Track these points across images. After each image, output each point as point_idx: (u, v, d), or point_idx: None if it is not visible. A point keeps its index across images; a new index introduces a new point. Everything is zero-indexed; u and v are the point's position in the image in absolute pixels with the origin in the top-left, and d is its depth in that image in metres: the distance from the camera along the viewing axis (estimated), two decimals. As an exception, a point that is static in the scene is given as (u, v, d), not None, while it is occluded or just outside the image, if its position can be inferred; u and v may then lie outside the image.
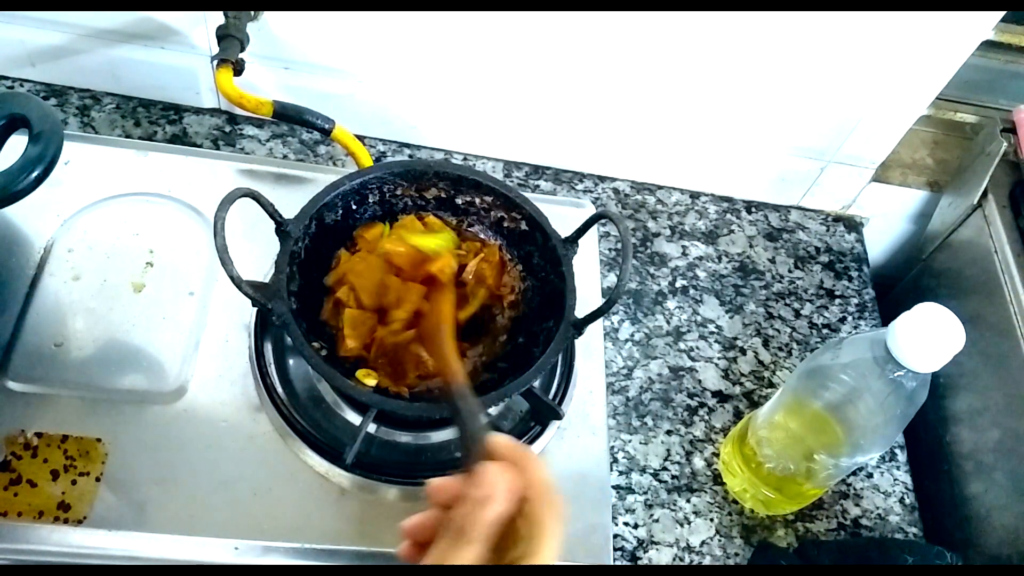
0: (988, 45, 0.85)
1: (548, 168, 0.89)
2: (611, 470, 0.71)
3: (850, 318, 0.86)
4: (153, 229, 0.73)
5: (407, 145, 0.87)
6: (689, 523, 0.70)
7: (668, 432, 0.74)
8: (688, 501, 0.71)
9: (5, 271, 0.69)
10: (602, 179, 0.90)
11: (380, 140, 0.87)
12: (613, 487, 0.70)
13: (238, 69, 0.72)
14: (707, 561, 0.68)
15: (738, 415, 0.77)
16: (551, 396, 0.70)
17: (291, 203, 0.64)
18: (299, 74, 0.80)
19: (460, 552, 0.39)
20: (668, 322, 0.81)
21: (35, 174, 0.59)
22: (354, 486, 0.63)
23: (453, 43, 0.76)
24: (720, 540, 0.70)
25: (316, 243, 0.66)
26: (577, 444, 0.69)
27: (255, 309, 0.66)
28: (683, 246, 0.87)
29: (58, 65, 0.80)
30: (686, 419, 0.75)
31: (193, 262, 0.72)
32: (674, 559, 0.68)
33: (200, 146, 0.82)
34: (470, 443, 0.45)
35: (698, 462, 0.73)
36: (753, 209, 0.92)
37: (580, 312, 0.64)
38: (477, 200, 0.71)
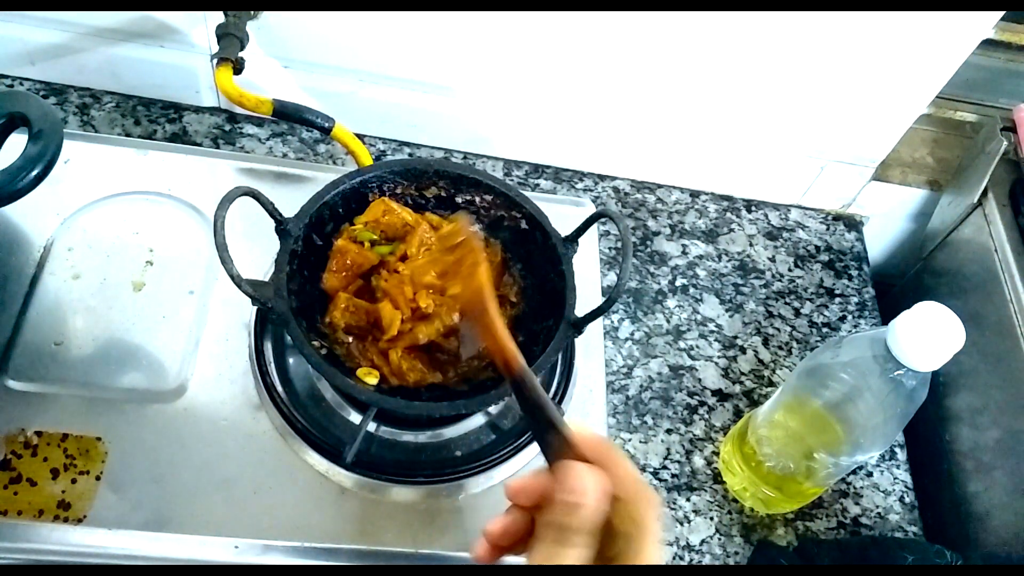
0: (988, 44, 0.85)
1: (548, 167, 0.89)
2: (611, 469, 0.71)
3: (850, 317, 0.86)
4: (153, 228, 0.73)
5: (407, 144, 0.87)
6: (689, 522, 0.70)
7: (668, 431, 0.74)
8: (688, 500, 0.71)
9: (5, 270, 0.69)
10: (602, 178, 0.90)
11: (380, 139, 0.87)
12: (613, 486, 0.70)
13: (238, 68, 0.72)
14: (707, 560, 0.68)
15: (738, 414, 0.77)
16: (551, 395, 0.70)
17: (291, 202, 0.64)
18: (299, 73, 0.79)
19: (563, 555, 0.38)
20: (668, 321, 0.81)
21: (35, 173, 0.59)
22: (354, 485, 0.63)
23: (453, 42, 0.76)
24: (720, 539, 0.70)
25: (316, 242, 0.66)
26: (577, 443, 0.69)
27: (255, 308, 0.66)
28: (683, 245, 0.87)
29: (58, 64, 0.80)
30: (686, 418, 0.75)
31: (193, 261, 0.72)
32: (674, 558, 0.68)
33: (200, 145, 0.82)
34: (549, 435, 0.42)
35: (698, 461, 0.73)
36: (753, 208, 0.91)
37: (580, 311, 0.64)
38: (477, 199, 0.71)
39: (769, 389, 0.79)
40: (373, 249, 0.66)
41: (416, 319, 0.63)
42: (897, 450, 0.78)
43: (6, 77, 0.82)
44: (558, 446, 0.41)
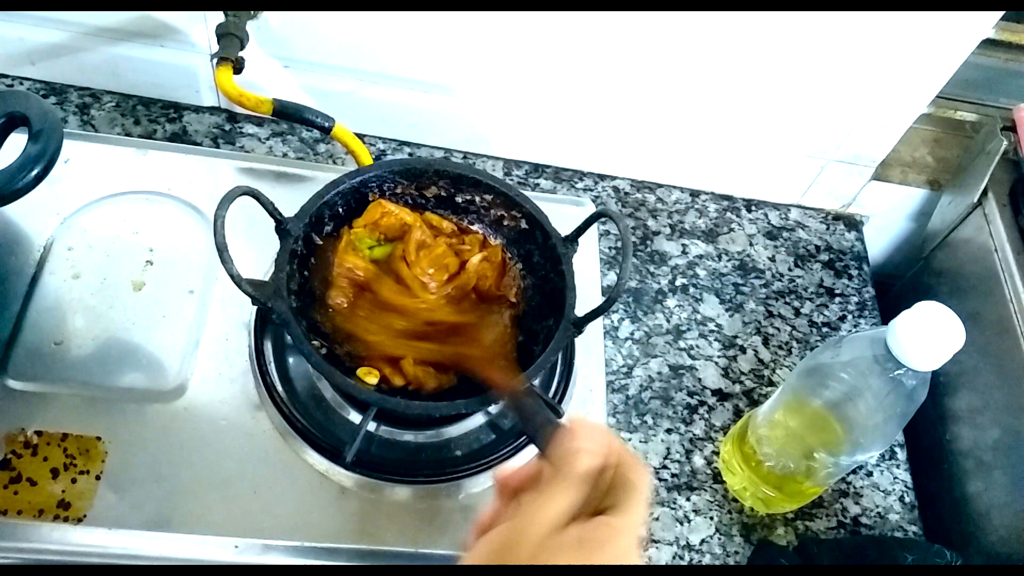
0: (988, 43, 0.85)
1: (548, 166, 0.89)
2: (611, 468, 0.71)
3: (850, 316, 0.86)
4: (153, 227, 0.73)
5: (407, 143, 0.87)
6: (689, 521, 0.70)
7: (668, 430, 0.74)
8: (688, 499, 0.71)
9: (5, 269, 0.69)
10: (602, 177, 0.90)
11: (380, 138, 0.87)
12: (613, 485, 0.70)
13: (238, 67, 0.72)
14: (707, 559, 0.69)
15: (738, 413, 0.77)
16: (551, 394, 0.70)
17: (291, 201, 0.64)
18: (299, 72, 0.79)
19: (558, 495, 0.40)
20: (668, 320, 0.81)
21: (35, 172, 0.59)
22: (354, 484, 0.63)
23: (453, 42, 0.76)
24: (720, 538, 0.70)
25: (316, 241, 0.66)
26: (577, 442, 0.69)
27: (255, 307, 0.66)
28: (683, 244, 0.87)
29: (58, 63, 0.80)
30: (686, 417, 0.75)
31: (193, 260, 0.72)
32: (674, 557, 0.68)
33: (200, 144, 0.82)
34: (544, 430, 0.46)
35: (698, 460, 0.73)
36: (753, 207, 0.91)
37: (580, 310, 0.64)
38: (477, 198, 0.71)
39: (769, 389, 0.79)
40: (372, 252, 0.67)
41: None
42: (897, 450, 0.78)
43: (6, 77, 0.82)
44: (552, 434, 0.44)
